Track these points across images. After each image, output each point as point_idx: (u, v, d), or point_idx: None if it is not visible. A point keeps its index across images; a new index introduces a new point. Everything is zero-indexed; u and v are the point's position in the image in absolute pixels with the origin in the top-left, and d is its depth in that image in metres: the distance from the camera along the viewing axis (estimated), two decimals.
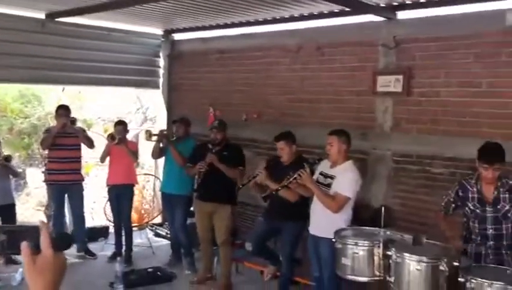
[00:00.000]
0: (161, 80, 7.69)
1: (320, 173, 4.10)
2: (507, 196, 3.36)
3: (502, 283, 2.72)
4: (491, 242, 3.40)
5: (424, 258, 2.97)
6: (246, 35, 6.54)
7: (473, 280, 2.81)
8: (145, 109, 10.25)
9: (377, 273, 3.25)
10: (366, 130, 5.30)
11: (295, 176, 3.88)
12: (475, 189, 3.47)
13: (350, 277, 3.41)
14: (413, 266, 2.98)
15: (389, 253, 3.14)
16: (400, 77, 4.97)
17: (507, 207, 3.36)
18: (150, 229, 7.21)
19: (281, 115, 6.12)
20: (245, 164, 5.11)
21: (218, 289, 5.02)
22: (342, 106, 5.54)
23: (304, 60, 5.86)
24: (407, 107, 5.01)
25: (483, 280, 2.78)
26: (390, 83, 5.06)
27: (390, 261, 3.12)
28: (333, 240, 3.53)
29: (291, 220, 4.45)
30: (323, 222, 3.91)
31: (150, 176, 8.00)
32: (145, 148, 7.06)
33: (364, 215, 4.82)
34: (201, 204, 5.10)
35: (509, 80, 4.34)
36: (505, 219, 3.38)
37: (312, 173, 4.03)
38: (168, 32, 7.44)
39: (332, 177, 3.94)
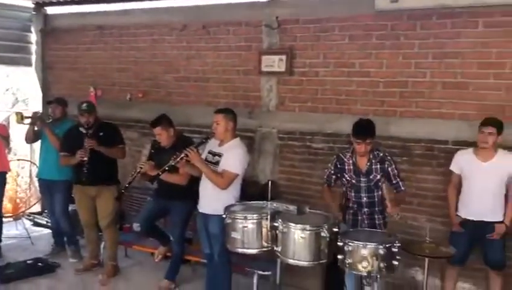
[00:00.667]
0: (34, 57, 7.08)
1: (209, 152, 4.13)
2: (378, 166, 3.71)
3: (375, 243, 3.01)
4: (366, 209, 3.74)
5: (308, 227, 3.17)
6: (127, 11, 6.27)
7: (350, 243, 3.08)
8: (16, 90, 9.35)
9: (265, 244, 3.39)
10: (253, 109, 5.44)
11: (182, 155, 3.87)
12: (351, 161, 3.77)
13: (240, 250, 3.52)
14: (298, 234, 3.17)
15: (276, 224, 3.29)
16: (283, 57, 5.17)
17: (378, 177, 3.71)
18: (27, 218, 6.68)
19: (168, 94, 6.03)
20: (123, 140, 4.94)
21: (106, 275, 4.85)
22: (229, 85, 5.61)
23: (190, 39, 5.81)
24: (290, 86, 5.24)
25: (359, 242, 3.06)
26: (274, 63, 5.24)
27: (277, 231, 3.28)
28: (223, 216, 3.60)
29: (180, 200, 4.45)
30: (212, 199, 3.95)
31: (25, 161, 7.37)
32: (19, 132, 6.47)
33: (252, 191, 4.97)
34: (83, 189, 4.83)
35: (379, 60, 4.75)
36: (376, 187, 3.73)
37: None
38: (39, 5, 6.84)
39: (220, 155, 3.99)
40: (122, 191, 4.51)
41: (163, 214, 4.80)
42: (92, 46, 6.57)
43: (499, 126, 3.89)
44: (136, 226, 4.81)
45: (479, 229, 3.98)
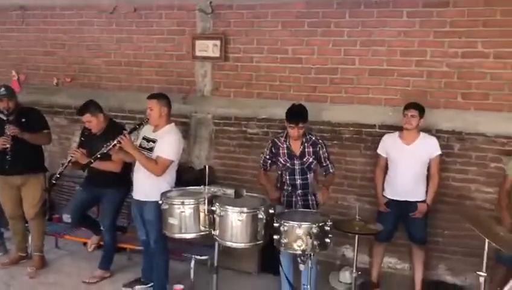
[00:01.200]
0: None
1: (143, 138, 4.06)
2: (311, 150, 3.84)
3: (308, 223, 3.14)
4: (300, 190, 3.87)
5: (245, 209, 3.23)
6: None
7: (285, 223, 3.18)
8: None
9: (203, 228, 3.41)
10: (187, 94, 5.40)
11: (115, 142, 3.77)
12: (285, 145, 3.87)
13: (178, 236, 3.52)
14: (235, 217, 3.22)
15: (213, 208, 3.32)
16: (217, 42, 5.16)
17: (311, 159, 3.84)
18: None
19: (98, 79, 5.82)
20: (48, 125, 4.69)
21: (34, 267, 4.64)
22: (162, 70, 5.52)
23: (120, 22, 5.63)
24: (225, 71, 5.25)
25: (294, 222, 3.17)
26: (208, 48, 5.22)
27: (215, 215, 3.31)
28: (160, 202, 3.57)
29: (111, 188, 4.33)
30: (147, 186, 3.90)
31: None
32: None
33: (188, 177, 4.97)
34: (6, 178, 4.56)
35: (310, 47, 4.88)
36: (309, 169, 3.87)
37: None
38: None
39: (154, 141, 3.94)
40: (54, 182, 4.30)
41: (94, 203, 4.65)
42: (14, 27, 6.17)
43: (420, 109, 4.17)
44: (66, 218, 4.64)
45: (403, 208, 4.26)
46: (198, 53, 5.27)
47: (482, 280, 2.66)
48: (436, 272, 4.65)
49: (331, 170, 3.90)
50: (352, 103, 4.82)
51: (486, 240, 2.61)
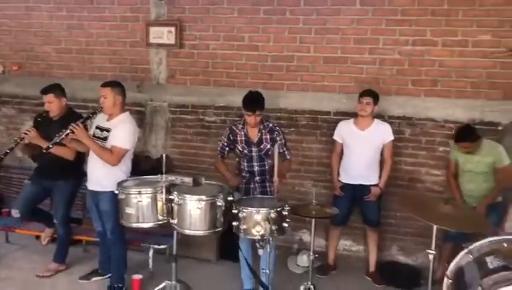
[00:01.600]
0: None
1: (97, 127, 3.96)
2: (268, 137, 3.88)
3: (267, 208, 3.17)
4: (258, 177, 3.90)
5: (203, 197, 3.23)
6: None
7: (244, 210, 3.20)
8: None
9: (161, 217, 3.38)
10: (142, 82, 5.30)
11: (67, 131, 3.66)
12: (243, 132, 3.89)
13: (135, 225, 3.47)
14: (194, 205, 3.22)
15: (171, 197, 3.30)
16: (172, 29, 5.08)
17: (268, 146, 3.88)
18: None
19: (48, 67, 5.61)
20: None
21: None
22: (116, 58, 5.38)
23: (71, 7, 5.43)
24: (181, 59, 5.19)
25: (252, 209, 3.20)
26: (163, 35, 5.13)
27: (173, 204, 3.29)
28: (116, 192, 3.51)
29: (62, 179, 4.19)
30: (101, 176, 3.82)
31: None
32: None
33: (145, 167, 4.90)
34: None
35: (266, 35, 4.90)
36: (266, 156, 3.90)
37: (86, 128, 3.84)
38: None
39: (108, 130, 3.85)
40: (1, 156, 4.07)
41: (45, 196, 4.44)
42: None
43: (375, 96, 4.29)
44: (14, 213, 4.47)
45: (358, 192, 4.39)
46: (152, 40, 5.17)
47: (431, 257, 2.79)
48: (389, 253, 4.84)
49: (287, 157, 3.94)
50: (307, 90, 4.89)
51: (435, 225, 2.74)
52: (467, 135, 3.98)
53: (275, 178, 3.49)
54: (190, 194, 3.26)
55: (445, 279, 2.48)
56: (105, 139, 3.84)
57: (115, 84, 3.93)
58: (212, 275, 4.48)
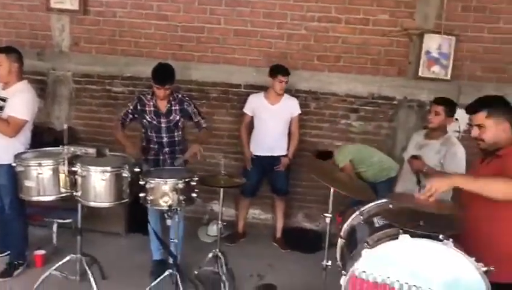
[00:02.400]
0: None
1: None
2: (178, 108, 3.85)
3: (174, 179, 3.19)
4: (167, 148, 3.87)
5: (108, 168, 3.16)
6: None
7: (151, 181, 3.19)
8: None
9: (64, 190, 3.26)
10: (43, 50, 4.98)
11: None
12: (151, 103, 3.82)
13: (35, 198, 3.32)
14: (99, 177, 3.14)
15: (74, 169, 3.19)
16: None
17: (178, 118, 3.86)
18: None
19: None
20: None
21: None
22: (12, 22, 5.00)
23: None
24: (85, 26, 4.94)
25: (160, 179, 3.20)
26: (65, 0, 4.84)
27: (77, 176, 3.19)
28: (13, 164, 3.32)
29: None
30: None
31: None
32: None
33: (48, 139, 4.65)
34: None
35: (176, 4, 4.81)
36: (176, 128, 3.88)
37: None
38: None
39: (4, 100, 3.60)
40: None
41: None
42: None
43: (288, 73, 4.41)
44: None
45: (267, 163, 4.55)
46: (53, 5, 4.86)
47: (327, 220, 2.99)
48: (296, 220, 5.09)
49: (203, 125, 3.91)
50: (218, 62, 4.90)
51: (331, 188, 2.94)
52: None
53: (196, 146, 3.51)
54: (94, 165, 3.17)
55: (339, 239, 2.68)
56: (1, 109, 3.59)
57: (10, 50, 3.67)
58: (121, 248, 4.43)
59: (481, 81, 4.62)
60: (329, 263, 2.98)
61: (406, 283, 2.05)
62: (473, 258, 2.00)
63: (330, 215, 2.99)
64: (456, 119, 4.70)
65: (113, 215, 4.47)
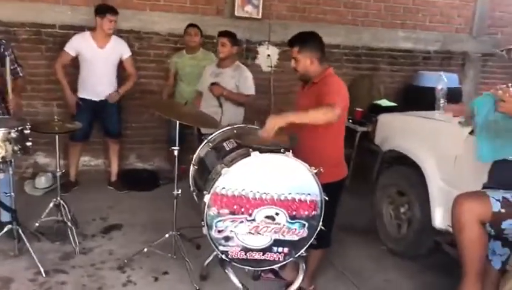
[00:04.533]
0: None
1: None
2: None
3: (5, 128, 2.92)
4: None
5: None
6: None
7: None
8: None
9: None
10: None
11: None
12: None
13: None
14: None
15: None
16: None
17: None
18: None
19: None
20: None
21: None
22: None
23: None
24: None
25: None
26: None
27: None
28: None
29: None
30: None
31: None
32: None
33: None
34: None
35: None
36: None
37: None
38: None
39: None
40: None
41: None
42: None
43: (117, 12, 4.26)
44: None
45: (99, 107, 4.43)
46: None
47: (176, 153, 3.15)
48: (129, 162, 5.14)
49: (20, 74, 3.57)
50: (24, 0, 4.43)
51: (177, 121, 3.11)
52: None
53: (10, 97, 3.22)
54: None
55: (191, 167, 2.92)
56: None
57: None
58: None
59: (287, 20, 5.22)
60: (180, 191, 3.22)
61: (258, 192, 2.43)
62: (307, 164, 2.47)
63: (177, 148, 3.15)
64: (268, 55, 5.32)
65: None
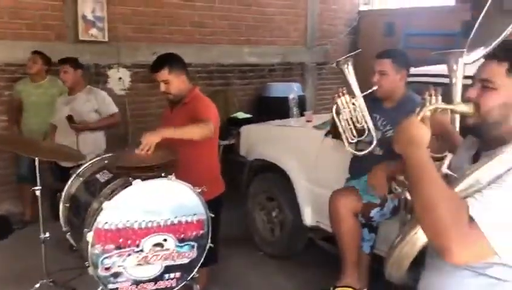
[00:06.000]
0: None
1: None
2: None
3: None
4: None
5: None
6: None
7: None
8: None
9: None
10: None
11: None
12: None
13: None
14: None
15: None
16: None
17: None
18: None
19: None
20: None
21: None
22: None
23: None
24: None
25: None
26: None
27: None
28: None
29: None
30: None
31: None
32: None
33: None
34: None
35: None
36: None
37: None
38: None
39: None
40: None
41: None
42: None
43: None
44: None
45: None
46: None
47: (38, 193, 2.88)
48: None
49: None
50: None
51: (36, 158, 2.85)
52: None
53: None
54: None
55: (61, 205, 2.67)
56: None
57: None
58: None
59: (135, 41, 5.13)
60: (47, 234, 2.95)
61: (143, 221, 2.35)
62: (189, 184, 2.47)
63: (39, 187, 2.88)
64: (120, 78, 5.18)
65: None
